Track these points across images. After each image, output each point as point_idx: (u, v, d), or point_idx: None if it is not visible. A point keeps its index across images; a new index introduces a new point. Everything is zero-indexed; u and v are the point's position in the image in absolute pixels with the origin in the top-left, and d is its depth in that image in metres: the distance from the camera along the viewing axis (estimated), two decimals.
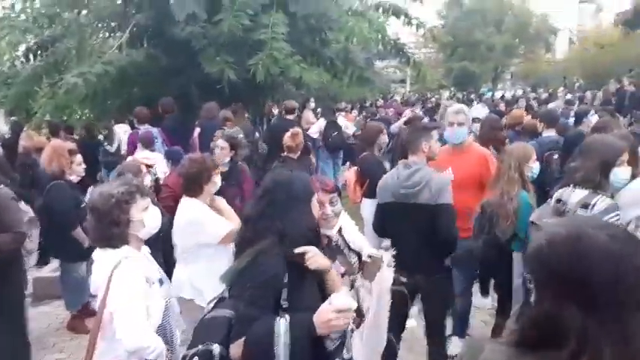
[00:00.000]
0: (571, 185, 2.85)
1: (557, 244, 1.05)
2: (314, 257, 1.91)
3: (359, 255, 2.50)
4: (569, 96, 16.39)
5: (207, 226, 3.16)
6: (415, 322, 4.53)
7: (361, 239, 2.60)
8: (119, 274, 2.06)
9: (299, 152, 5.47)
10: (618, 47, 29.34)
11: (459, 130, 3.94)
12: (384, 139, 5.36)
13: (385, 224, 3.39)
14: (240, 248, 1.96)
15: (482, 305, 4.76)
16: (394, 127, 8.44)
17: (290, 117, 8.04)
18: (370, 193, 4.57)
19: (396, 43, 10.40)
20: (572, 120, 7.56)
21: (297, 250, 1.89)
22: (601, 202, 2.68)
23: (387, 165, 5.71)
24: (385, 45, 10.14)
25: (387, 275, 2.50)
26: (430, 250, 3.20)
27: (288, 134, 5.51)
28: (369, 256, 2.47)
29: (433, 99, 21.05)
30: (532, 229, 3.01)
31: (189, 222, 3.17)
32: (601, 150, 2.81)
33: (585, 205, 2.71)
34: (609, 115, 6.80)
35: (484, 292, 4.87)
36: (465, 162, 3.92)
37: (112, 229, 2.12)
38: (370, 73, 10.57)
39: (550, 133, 5.24)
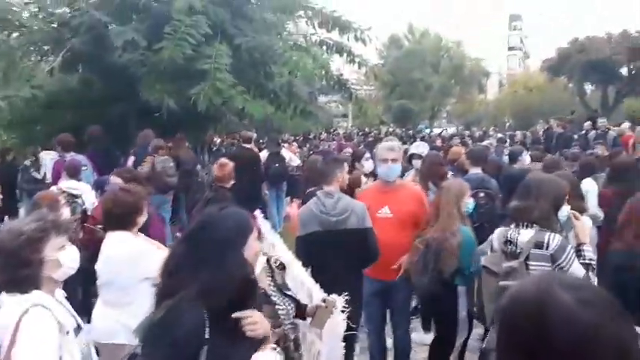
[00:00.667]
0: (512, 225, 2.87)
1: (521, 305, 0.95)
2: (254, 325, 1.66)
3: (296, 300, 2.30)
4: (500, 135, 17.23)
5: (149, 258, 2.88)
6: (359, 352, 4.40)
7: (310, 281, 2.43)
8: (28, 323, 1.79)
9: (231, 182, 5.27)
10: (544, 91, 31.64)
11: (393, 167, 3.82)
12: None
13: (310, 254, 3.33)
14: (158, 300, 1.70)
15: (422, 341, 4.68)
16: None
17: (247, 146, 8.14)
18: None
19: (339, 79, 10.58)
20: (505, 158, 7.86)
21: (236, 315, 1.64)
22: (553, 239, 2.71)
23: None
24: (329, 80, 10.29)
25: (339, 321, 2.34)
26: (355, 272, 3.41)
27: (216, 165, 5.36)
28: (324, 300, 2.29)
29: (372, 134, 21.53)
30: (484, 273, 2.98)
31: (131, 256, 2.91)
32: (554, 189, 2.90)
33: (539, 245, 2.72)
34: (541, 154, 7.12)
35: (426, 327, 4.81)
36: (400, 200, 3.82)
37: (21, 271, 1.85)
38: (313, 107, 10.67)
39: (476, 171, 5.37)
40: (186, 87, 7.57)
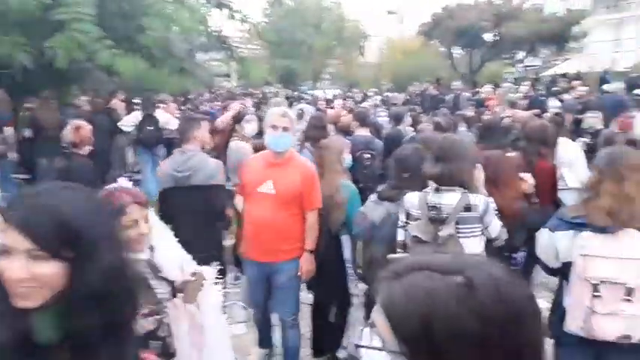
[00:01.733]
0: (429, 189, 2.75)
1: (480, 290, 0.76)
2: None
3: (171, 283, 2.11)
4: (379, 97, 17.83)
5: None
6: (245, 329, 4.33)
7: (181, 256, 2.24)
8: None
9: (87, 147, 4.67)
10: (419, 54, 33.29)
11: (284, 136, 3.33)
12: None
13: (167, 210, 3.54)
14: None
15: (307, 300, 4.70)
16: (219, 122, 8.07)
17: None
18: None
19: (219, 36, 10.09)
20: (386, 119, 8.15)
21: None
22: (480, 200, 2.71)
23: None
24: (208, 37, 9.77)
25: (212, 292, 2.22)
26: (208, 227, 3.59)
27: (68, 128, 4.74)
28: (193, 274, 2.14)
29: (256, 95, 21.10)
30: (413, 242, 2.81)
31: None
32: (471, 152, 2.91)
33: (468, 208, 2.68)
34: (418, 115, 7.47)
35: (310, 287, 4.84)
36: (287, 176, 3.35)
37: None
38: (192, 65, 10.08)
39: (363, 132, 5.46)
40: (42, 40, 6.69)
